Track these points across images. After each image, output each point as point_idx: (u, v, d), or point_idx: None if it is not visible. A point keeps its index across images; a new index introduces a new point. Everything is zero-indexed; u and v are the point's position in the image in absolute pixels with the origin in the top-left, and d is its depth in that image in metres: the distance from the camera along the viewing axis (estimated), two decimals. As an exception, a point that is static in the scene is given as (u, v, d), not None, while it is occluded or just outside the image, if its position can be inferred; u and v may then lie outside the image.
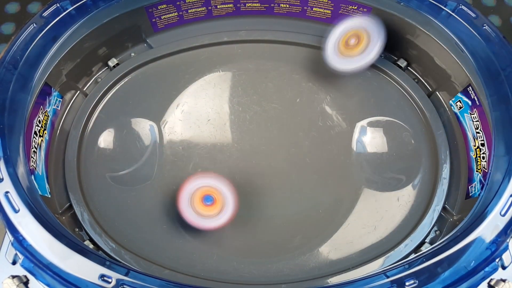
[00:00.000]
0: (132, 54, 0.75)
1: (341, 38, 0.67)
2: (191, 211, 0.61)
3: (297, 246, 0.63)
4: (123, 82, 0.72)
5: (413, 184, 0.66)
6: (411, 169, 0.67)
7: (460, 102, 0.67)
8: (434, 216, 0.63)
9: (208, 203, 0.61)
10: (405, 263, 0.50)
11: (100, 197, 0.65)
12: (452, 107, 0.69)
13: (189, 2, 0.72)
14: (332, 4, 0.72)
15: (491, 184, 0.54)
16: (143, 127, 0.70)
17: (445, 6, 0.64)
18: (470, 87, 0.64)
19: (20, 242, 0.49)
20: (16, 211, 0.50)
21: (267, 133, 0.70)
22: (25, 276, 0.51)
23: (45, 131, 0.65)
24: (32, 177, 0.57)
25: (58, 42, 0.63)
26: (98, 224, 0.63)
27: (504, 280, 0.51)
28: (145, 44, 0.76)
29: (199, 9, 0.74)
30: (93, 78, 0.73)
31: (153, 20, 0.73)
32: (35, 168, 0.61)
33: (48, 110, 0.66)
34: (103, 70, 0.74)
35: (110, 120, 0.70)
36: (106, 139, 0.69)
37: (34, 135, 0.62)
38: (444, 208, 0.64)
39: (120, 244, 0.61)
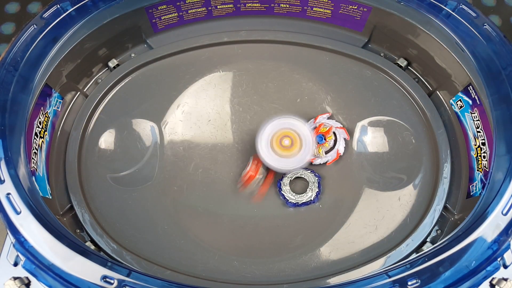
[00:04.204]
0: (132, 55, 0.75)
1: (276, 135, 0.66)
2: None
3: (298, 246, 0.63)
4: (123, 83, 0.72)
5: (414, 183, 0.66)
6: (412, 169, 0.67)
7: (461, 102, 0.67)
8: (435, 216, 0.63)
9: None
10: (406, 263, 0.50)
11: (101, 198, 0.65)
12: (453, 107, 0.69)
13: (189, 2, 0.72)
14: (332, 4, 0.72)
15: (493, 183, 0.54)
16: (144, 128, 0.70)
17: (445, 6, 0.64)
18: (470, 86, 0.64)
19: (21, 243, 0.49)
20: (17, 213, 0.50)
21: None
22: (27, 278, 0.50)
23: (46, 132, 0.65)
24: (33, 178, 0.57)
25: (59, 43, 0.63)
26: (99, 225, 0.63)
27: (506, 279, 0.51)
28: (145, 45, 0.76)
29: (199, 10, 0.74)
30: (94, 79, 0.73)
31: (153, 20, 0.73)
32: (36, 169, 0.61)
33: (48, 111, 0.66)
34: (104, 71, 0.74)
35: (110, 121, 0.70)
36: (106, 140, 0.69)
37: (35, 136, 0.62)
38: (445, 208, 0.64)
39: (121, 245, 0.61)
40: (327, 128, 0.68)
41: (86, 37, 0.66)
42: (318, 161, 0.68)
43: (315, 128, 0.69)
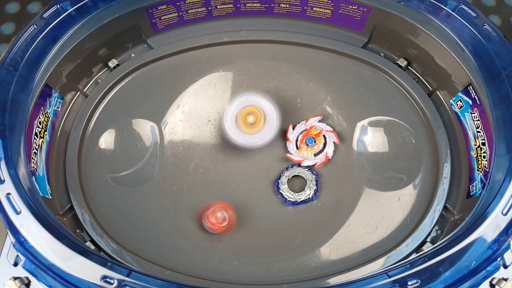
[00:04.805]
0: (132, 55, 0.75)
1: (240, 113, 0.67)
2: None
3: (298, 246, 0.63)
4: (123, 83, 0.72)
5: (414, 183, 0.66)
6: (412, 169, 0.67)
7: (461, 102, 0.67)
8: (435, 216, 0.63)
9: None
10: (406, 263, 0.50)
11: (101, 198, 0.65)
12: (453, 107, 0.69)
13: (189, 2, 0.72)
14: (332, 4, 0.72)
15: (493, 183, 0.54)
16: (144, 128, 0.70)
17: (445, 6, 0.64)
18: (470, 86, 0.64)
19: (21, 243, 0.49)
20: (17, 213, 0.50)
21: (267, 133, 0.70)
22: (27, 278, 0.51)
23: (46, 132, 0.65)
24: (33, 178, 0.57)
25: (59, 43, 0.63)
26: (99, 225, 0.63)
27: (505, 279, 0.51)
28: (145, 45, 0.76)
29: (199, 10, 0.74)
30: (94, 79, 0.73)
31: (153, 20, 0.73)
32: (36, 169, 0.61)
33: (48, 111, 0.66)
34: (104, 71, 0.74)
35: (110, 121, 0.70)
36: (106, 140, 0.69)
37: (35, 136, 0.62)
38: (445, 208, 0.64)
39: (121, 245, 0.61)
40: (318, 131, 0.68)
41: (86, 37, 0.66)
42: (306, 163, 0.68)
43: (305, 130, 0.69)
